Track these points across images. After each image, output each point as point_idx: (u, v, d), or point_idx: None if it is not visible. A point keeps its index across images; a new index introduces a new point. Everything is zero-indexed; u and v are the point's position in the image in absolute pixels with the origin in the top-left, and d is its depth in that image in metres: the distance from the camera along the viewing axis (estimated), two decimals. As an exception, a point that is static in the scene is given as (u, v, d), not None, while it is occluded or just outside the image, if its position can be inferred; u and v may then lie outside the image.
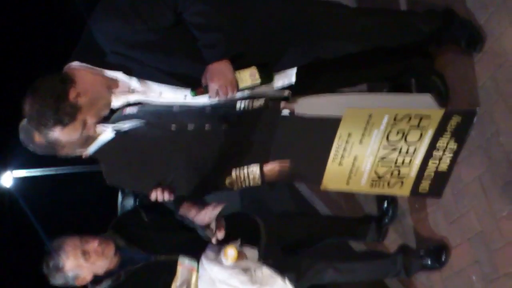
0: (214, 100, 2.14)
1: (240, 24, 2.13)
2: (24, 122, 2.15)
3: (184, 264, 2.47)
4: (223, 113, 2.20)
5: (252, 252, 2.56)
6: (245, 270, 2.48)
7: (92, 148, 2.23)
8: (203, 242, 2.47)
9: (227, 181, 2.28)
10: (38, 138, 2.11)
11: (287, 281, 2.49)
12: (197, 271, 2.46)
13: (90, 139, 2.19)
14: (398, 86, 2.65)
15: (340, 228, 3.08)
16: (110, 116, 2.21)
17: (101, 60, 2.05)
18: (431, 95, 2.46)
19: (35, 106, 1.97)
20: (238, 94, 2.16)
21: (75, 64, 2.07)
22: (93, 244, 2.42)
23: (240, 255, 2.49)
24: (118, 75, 2.09)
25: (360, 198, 3.45)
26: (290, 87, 2.27)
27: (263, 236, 2.63)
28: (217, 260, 2.48)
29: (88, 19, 2.08)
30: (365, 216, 3.22)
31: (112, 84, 2.12)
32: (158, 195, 2.26)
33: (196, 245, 2.49)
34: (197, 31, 2.05)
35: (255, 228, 2.67)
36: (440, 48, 2.58)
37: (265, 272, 2.50)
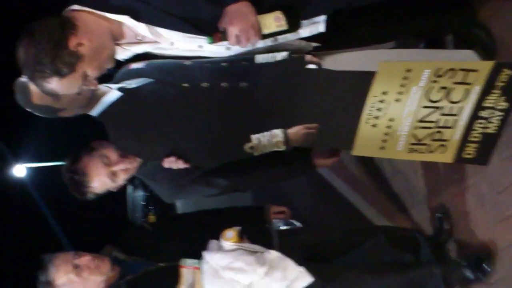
0: (233, 50, 1.90)
1: None
2: (20, 79, 1.94)
3: (187, 265, 2.31)
4: (241, 68, 1.97)
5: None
6: (251, 253, 2.29)
7: (95, 110, 2.02)
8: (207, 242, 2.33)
9: (247, 145, 2.05)
10: (36, 98, 1.91)
11: (303, 270, 2.27)
12: (200, 268, 2.29)
13: (93, 100, 1.99)
14: (435, 42, 2.39)
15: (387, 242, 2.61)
16: (115, 73, 1.98)
17: (105, 2, 1.83)
18: (473, 51, 2.21)
19: (30, 51, 1.75)
20: (260, 43, 1.91)
21: (76, 7, 1.85)
22: (85, 258, 2.28)
23: (242, 239, 2.32)
24: (124, 19, 1.87)
25: (387, 173, 3.19)
26: (317, 39, 2.01)
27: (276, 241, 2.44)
28: (218, 248, 2.32)
29: None
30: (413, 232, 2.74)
31: (117, 31, 1.90)
32: (172, 163, 2.04)
33: (200, 246, 2.35)
34: None
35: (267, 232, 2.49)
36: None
37: (274, 253, 2.30)
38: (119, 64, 2.04)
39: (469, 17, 2.34)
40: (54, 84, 1.79)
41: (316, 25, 1.98)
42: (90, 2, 1.85)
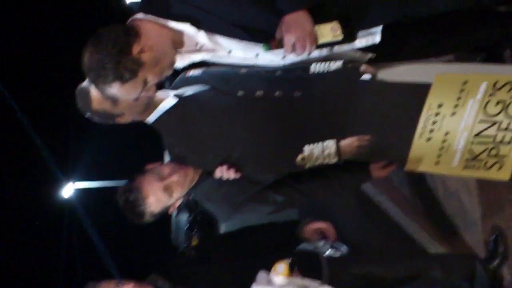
0: (288, 59, 1.92)
1: None
2: (81, 85, 2.02)
3: None
4: (295, 77, 1.99)
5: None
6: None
7: (152, 117, 2.07)
8: (254, 271, 2.24)
9: (299, 157, 2.04)
10: (95, 103, 1.98)
11: None
12: None
13: (150, 106, 2.04)
14: (494, 56, 2.34)
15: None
16: (172, 80, 2.03)
17: (167, 11, 1.90)
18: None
19: (95, 56, 1.83)
20: (316, 53, 1.93)
21: (140, 15, 1.93)
22: (129, 287, 2.28)
23: (293, 272, 2.22)
24: (185, 27, 1.93)
25: (440, 194, 3.11)
26: (373, 50, 2.02)
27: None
28: (267, 282, 2.22)
29: None
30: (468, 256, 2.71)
31: (178, 40, 1.96)
32: (224, 172, 2.06)
33: (247, 275, 2.26)
34: None
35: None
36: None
37: None
38: (176, 72, 2.09)
39: None
40: (115, 89, 1.86)
41: (372, 36, 2.00)
42: (153, 11, 1.92)
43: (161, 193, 2.17)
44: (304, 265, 2.32)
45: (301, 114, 2.00)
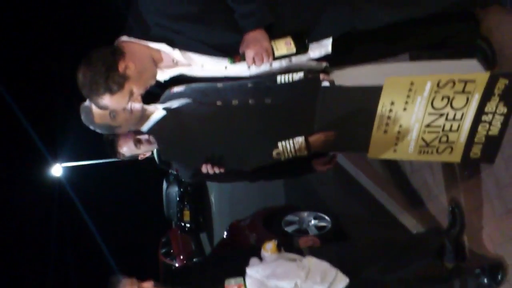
0: (252, 70, 2.22)
1: None
2: (84, 103, 2.35)
3: (231, 285, 2.45)
4: (264, 88, 2.29)
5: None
6: (290, 260, 2.50)
7: (145, 126, 2.40)
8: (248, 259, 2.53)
9: (274, 152, 2.34)
10: (97, 118, 2.32)
11: (339, 272, 2.45)
12: (245, 284, 2.45)
13: (143, 118, 2.37)
14: (442, 52, 2.60)
15: (418, 250, 2.81)
16: (160, 96, 2.33)
17: (146, 34, 2.20)
18: (477, 60, 2.42)
19: (88, 74, 2.14)
20: (275, 64, 2.24)
21: (124, 38, 2.23)
22: (149, 284, 2.42)
23: (280, 250, 2.53)
24: (162, 47, 2.23)
25: (407, 170, 3.42)
26: (327, 59, 2.31)
27: None
28: (259, 262, 2.51)
29: None
30: (435, 231, 3.05)
31: (157, 57, 2.26)
32: (209, 169, 2.36)
33: (240, 265, 2.52)
34: (234, 2, 2.15)
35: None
36: (485, 11, 2.52)
37: (312, 260, 2.49)
38: (159, 84, 2.40)
39: (473, 29, 2.55)
40: (106, 100, 2.17)
41: (325, 47, 2.29)
42: (135, 34, 2.21)
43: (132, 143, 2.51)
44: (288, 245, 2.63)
45: (272, 117, 2.31)
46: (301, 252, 2.61)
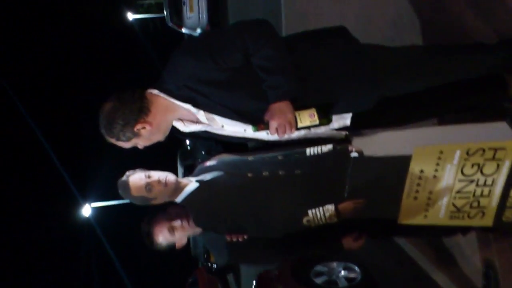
0: (272, 136, 2.27)
1: (303, 67, 2.26)
2: (121, 179, 2.50)
3: None
4: (295, 160, 2.32)
5: None
6: None
7: (179, 198, 2.48)
8: None
9: (304, 219, 2.36)
10: (133, 191, 2.44)
11: None
12: None
13: (177, 190, 2.46)
14: (469, 115, 2.61)
15: None
16: (194, 169, 2.41)
17: (175, 92, 2.30)
18: (506, 122, 2.42)
19: (108, 116, 2.31)
20: (295, 134, 2.28)
21: (155, 91, 2.34)
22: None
23: None
24: (187, 106, 2.32)
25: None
26: (346, 128, 2.36)
27: None
28: None
29: (171, 55, 2.33)
30: None
31: (182, 112, 2.37)
32: (233, 237, 2.44)
33: None
34: (264, 73, 2.21)
35: None
36: (512, 75, 2.52)
37: None
38: (181, 132, 2.48)
39: (501, 93, 2.56)
40: (111, 140, 2.36)
41: (344, 120, 2.34)
42: (166, 91, 2.32)
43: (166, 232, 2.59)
44: None
45: (303, 186, 2.33)
46: None
